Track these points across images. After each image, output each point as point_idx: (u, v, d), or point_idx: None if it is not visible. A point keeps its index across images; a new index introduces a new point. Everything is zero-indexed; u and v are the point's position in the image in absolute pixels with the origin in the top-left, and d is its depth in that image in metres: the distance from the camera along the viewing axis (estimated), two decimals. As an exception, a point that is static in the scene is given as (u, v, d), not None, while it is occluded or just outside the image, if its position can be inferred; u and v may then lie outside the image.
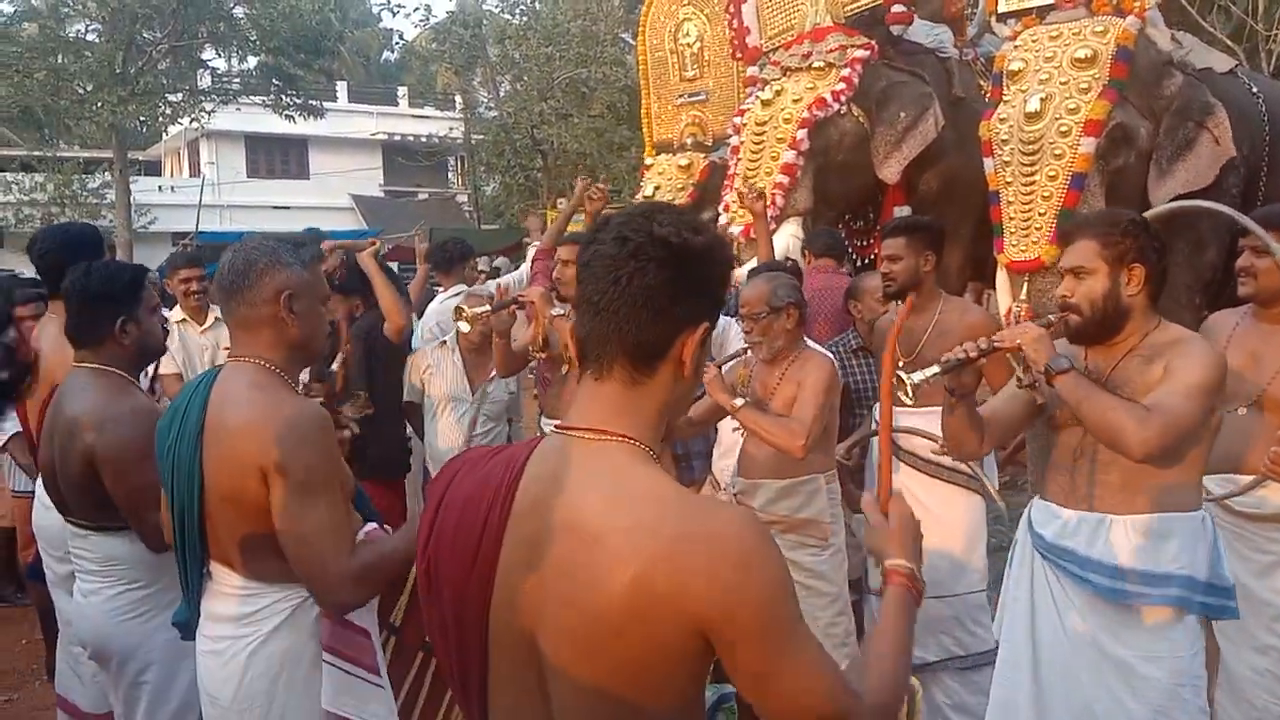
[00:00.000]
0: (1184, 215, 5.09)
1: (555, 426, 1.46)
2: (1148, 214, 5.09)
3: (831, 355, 3.94)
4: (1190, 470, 2.64)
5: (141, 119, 23.67)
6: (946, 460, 3.78)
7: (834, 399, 3.53)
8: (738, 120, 7.10)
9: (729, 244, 1.65)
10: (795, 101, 6.68)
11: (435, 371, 5.22)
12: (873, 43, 6.81)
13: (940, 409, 3.88)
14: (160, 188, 29.68)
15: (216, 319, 5.30)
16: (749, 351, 3.67)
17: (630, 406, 1.40)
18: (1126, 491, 2.63)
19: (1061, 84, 5.62)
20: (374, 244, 5.03)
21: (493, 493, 1.42)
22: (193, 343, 5.33)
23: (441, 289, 6.18)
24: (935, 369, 2.62)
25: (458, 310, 4.51)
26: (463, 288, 5.89)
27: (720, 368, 3.60)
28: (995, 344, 2.63)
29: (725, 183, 7.11)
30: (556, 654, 1.34)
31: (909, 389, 2.63)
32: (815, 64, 6.76)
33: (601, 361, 1.41)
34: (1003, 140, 5.76)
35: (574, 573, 1.30)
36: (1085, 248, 2.66)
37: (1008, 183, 5.76)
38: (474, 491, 1.44)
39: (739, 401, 3.41)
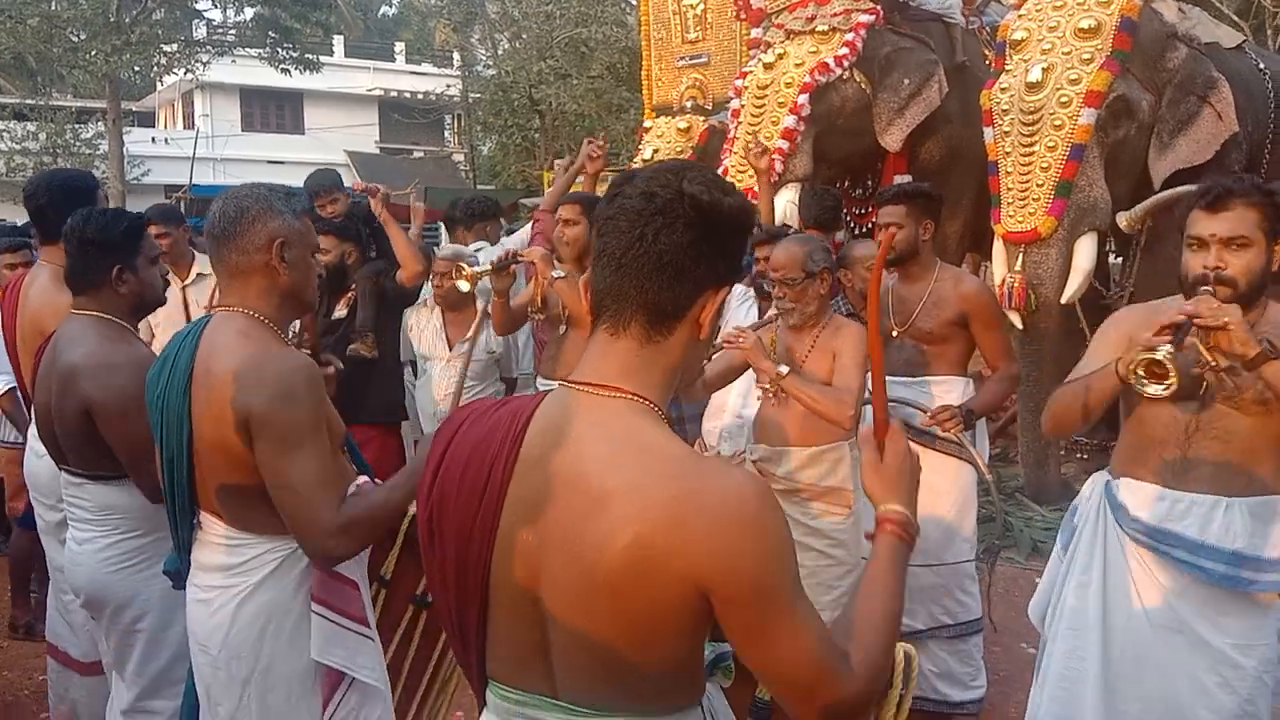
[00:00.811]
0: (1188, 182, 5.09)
1: (562, 381, 1.45)
2: (1141, 206, 5.08)
3: None
4: None
5: (136, 69, 23.45)
6: (937, 428, 3.78)
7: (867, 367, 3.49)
8: (739, 83, 7.05)
9: (754, 210, 1.62)
10: (798, 66, 6.63)
11: (417, 329, 5.24)
12: (877, 7, 6.76)
13: (926, 379, 3.90)
14: (154, 139, 29.42)
15: (199, 275, 5.15)
16: (779, 318, 3.55)
17: (642, 365, 1.39)
18: (1243, 473, 2.49)
19: (1064, 54, 5.59)
20: (382, 191, 4.98)
21: (498, 444, 1.40)
22: (171, 297, 5.23)
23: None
24: (1168, 346, 2.29)
25: (457, 269, 4.49)
26: (483, 244, 5.92)
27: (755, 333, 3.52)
28: (1198, 321, 2.32)
29: (725, 146, 7.07)
30: (557, 607, 1.34)
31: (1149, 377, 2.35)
32: (819, 27, 6.71)
33: (619, 318, 1.39)
34: (1003, 110, 5.73)
35: (577, 527, 1.30)
36: (1247, 217, 2.42)
37: (1007, 153, 5.74)
38: (480, 442, 1.43)
39: (783, 369, 3.34)
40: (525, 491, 1.37)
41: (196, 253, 5.19)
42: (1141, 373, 2.32)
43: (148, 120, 34.07)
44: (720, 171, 6.75)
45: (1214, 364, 2.41)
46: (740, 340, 3.32)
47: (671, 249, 1.34)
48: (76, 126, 25.93)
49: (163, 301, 3.05)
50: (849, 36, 6.61)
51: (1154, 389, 2.31)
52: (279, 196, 2.22)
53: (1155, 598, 2.58)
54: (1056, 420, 2.75)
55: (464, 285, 4.44)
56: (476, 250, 5.83)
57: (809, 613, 1.31)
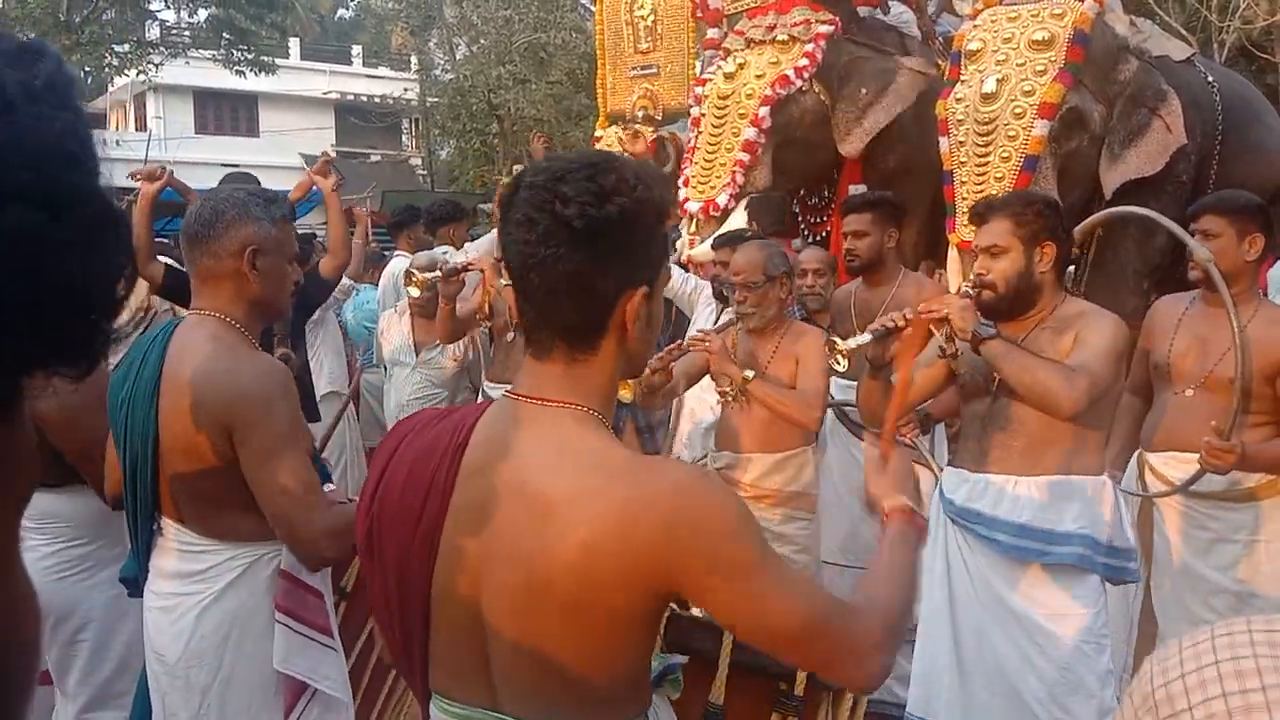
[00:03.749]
0: (1134, 199, 5.19)
1: (506, 391, 1.43)
2: (1085, 222, 5.20)
3: None
4: (1092, 436, 2.80)
5: (86, 70, 23.05)
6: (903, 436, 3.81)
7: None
8: (699, 91, 7.07)
9: (653, 191, 1.42)
10: (758, 77, 6.66)
11: (385, 335, 5.24)
12: (836, 18, 6.81)
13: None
14: (105, 141, 28.92)
15: None
16: (739, 322, 3.56)
17: (575, 381, 1.36)
18: (1031, 455, 2.77)
19: (1018, 65, 5.67)
20: (327, 157, 4.87)
21: (440, 455, 1.38)
22: None
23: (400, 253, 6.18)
24: (866, 336, 2.72)
25: (408, 274, 4.48)
26: (447, 249, 5.92)
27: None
28: (921, 313, 2.69)
29: (685, 156, 7.08)
30: (499, 618, 1.33)
31: (842, 356, 2.75)
32: (779, 37, 6.74)
33: (540, 344, 1.37)
34: (958, 120, 5.80)
35: (521, 537, 1.29)
36: (999, 227, 2.76)
37: (961, 162, 5.81)
38: (422, 453, 1.41)
39: (749, 373, 3.35)
40: (468, 501, 1.35)
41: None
42: (839, 348, 2.79)
43: (99, 122, 33.46)
44: (681, 182, 6.75)
45: (947, 350, 2.84)
46: (706, 344, 3.33)
47: (565, 276, 1.29)
48: (24, 127, 25.45)
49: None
50: (809, 47, 6.64)
51: (836, 366, 2.83)
52: (257, 202, 2.20)
53: (978, 574, 2.85)
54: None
55: (414, 291, 4.42)
56: (443, 254, 5.85)
57: (788, 572, 1.33)
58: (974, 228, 2.86)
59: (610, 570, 1.24)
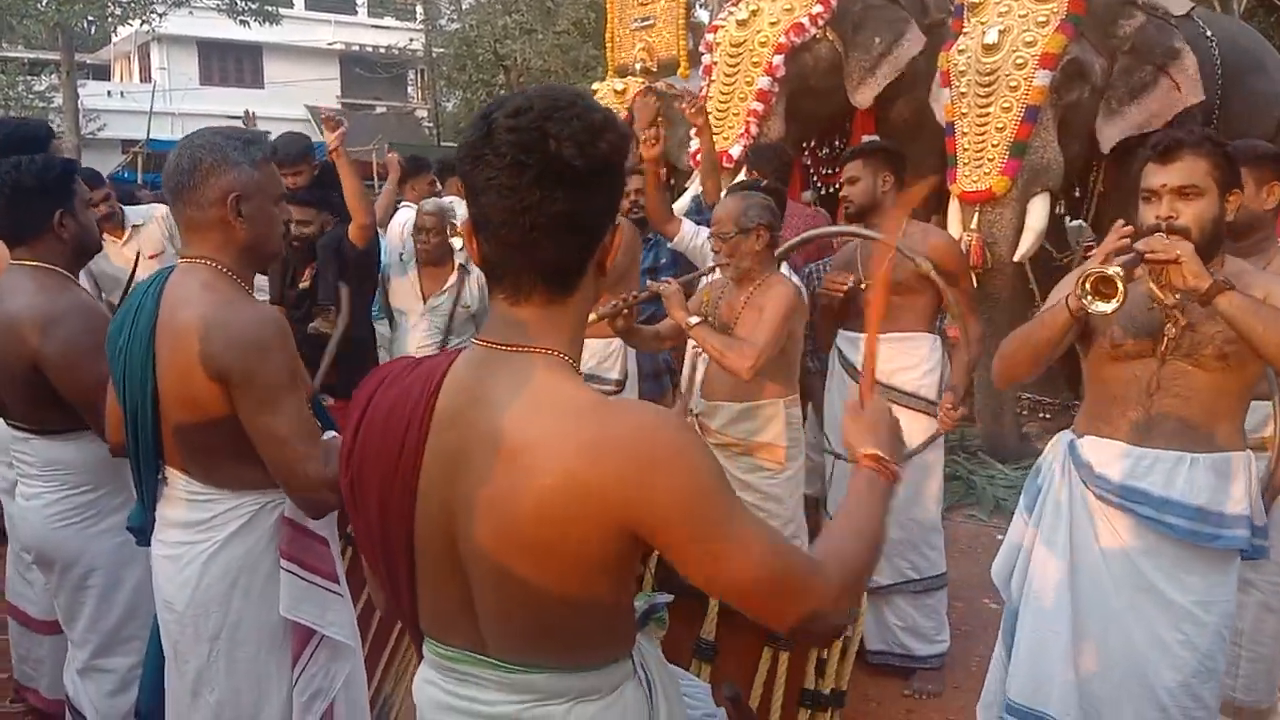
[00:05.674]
0: (1134, 154, 5.21)
1: (475, 338, 1.43)
2: None
3: (800, 281, 3.99)
4: (1245, 408, 2.57)
5: (89, 19, 22.89)
6: (909, 385, 3.84)
7: (796, 325, 3.49)
8: (710, 38, 7.03)
9: (624, 124, 1.45)
10: (772, 24, 6.59)
11: (392, 285, 5.29)
12: (851, -35, 6.74)
13: (893, 335, 3.93)
14: (109, 93, 28.83)
15: (133, 227, 5.22)
16: (717, 271, 3.60)
17: (551, 324, 1.36)
18: (1206, 428, 2.49)
19: (1020, 17, 5.66)
20: (337, 123, 4.73)
21: (413, 405, 1.39)
22: (110, 261, 5.01)
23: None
24: (1118, 268, 2.29)
25: (452, 226, 4.51)
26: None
27: (685, 285, 3.54)
28: (1149, 255, 2.34)
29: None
30: (478, 564, 1.34)
31: (1099, 295, 2.30)
32: (794, -18, 6.68)
33: (517, 288, 1.34)
34: (960, 71, 5.80)
35: (495, 482, 1.29)
36: (1196, 166, 2.42)
37: (963, 114, 5.82)
38: (395, 403, 1.42)
39: (693, 320, 3.38)
40: (442, 448, 1.36)
41: (123, 208, 5.28)
42: (1089, 287, 2.30)
43: (103, 73, 33.33)
44: (693, 132, 6.62)
45: (1166, 302, 2.45)
46: (663, 288, 3.41)
47: (558, 217, 1.28)
48: (28, 78, 25.32)
49: (99, 246, 2.97)
50: (823, -7, 6.57)
51: (1100, 306, 2.30)
52: (235, 146, 2.14)
53: (1120, 557, 2.57)
54: (1006, 366, 2.71)
55: (458, 242, 4.43)
56: (449, 203, 5.90)
57: (752, 525, 1.30)
58: (1162, 164, 2.45)
59: (577, 511, 1.25)
